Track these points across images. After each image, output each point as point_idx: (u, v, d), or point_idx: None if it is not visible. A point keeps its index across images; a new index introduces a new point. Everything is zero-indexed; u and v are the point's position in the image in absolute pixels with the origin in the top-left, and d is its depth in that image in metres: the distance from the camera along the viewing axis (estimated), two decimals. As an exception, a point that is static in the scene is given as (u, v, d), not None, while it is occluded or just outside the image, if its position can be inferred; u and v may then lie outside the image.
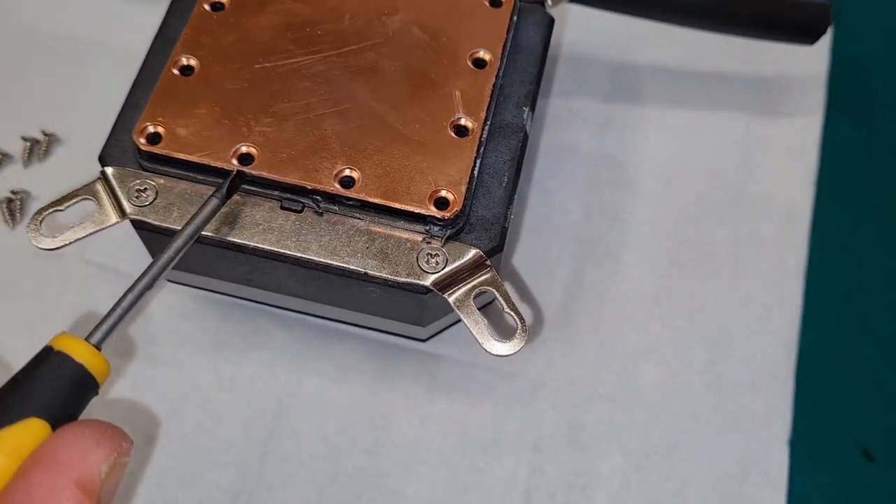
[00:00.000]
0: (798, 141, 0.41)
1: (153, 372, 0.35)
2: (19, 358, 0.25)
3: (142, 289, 0.26)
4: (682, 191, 0.40)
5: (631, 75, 0.42)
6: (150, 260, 0.37)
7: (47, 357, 0.23)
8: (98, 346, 0.24)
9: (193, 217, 0.28)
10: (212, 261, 0.32)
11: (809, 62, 0.43)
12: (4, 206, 0.38)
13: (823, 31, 0.36)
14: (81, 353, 0.23)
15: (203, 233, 0.30)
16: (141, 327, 0.36)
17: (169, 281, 0.37)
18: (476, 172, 0.30)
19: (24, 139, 0.40)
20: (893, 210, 0.40)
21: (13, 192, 0.39)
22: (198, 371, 0.36)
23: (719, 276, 0.38)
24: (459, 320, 0.36)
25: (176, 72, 0.31)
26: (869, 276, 0.39)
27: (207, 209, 0.28)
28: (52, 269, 0.37)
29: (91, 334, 0.24)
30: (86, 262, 0.38)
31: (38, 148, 0.40)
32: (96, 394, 0.24)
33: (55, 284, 0.37)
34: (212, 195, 0.28)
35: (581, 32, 0.43)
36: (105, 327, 0.25)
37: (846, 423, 0.35)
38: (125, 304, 0.25)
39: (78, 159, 0.40)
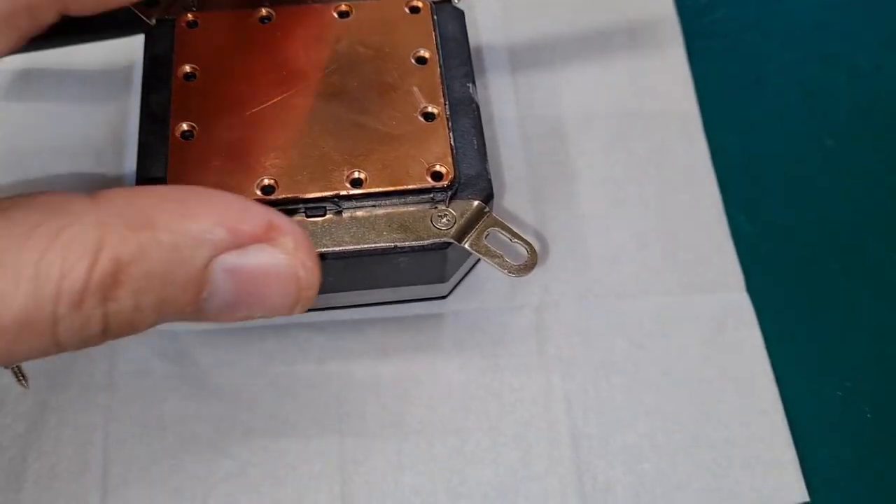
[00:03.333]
0: (670, 62, 0.50)
1: (215, 403, 0.40)
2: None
3: None
4: (596, 126, 0.48)
5: (524, 48, 0.50)
6: None
7: None
8: None
9: None
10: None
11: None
12: None
13: None
14: None
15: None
16: (182, 367, 0.40)
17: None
18: (453, 143, 0.37)
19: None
20: (760, 88, 0.50)
21: None
22: (256, 386, 0.40)
23: (649, 180, 0.46)
24: (472, 269, 0.42)
25: (179, 137, 0.36)
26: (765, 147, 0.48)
27: None
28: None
29: None
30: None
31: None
32: None
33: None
34: None
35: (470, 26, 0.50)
36: None
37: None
38: None
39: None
